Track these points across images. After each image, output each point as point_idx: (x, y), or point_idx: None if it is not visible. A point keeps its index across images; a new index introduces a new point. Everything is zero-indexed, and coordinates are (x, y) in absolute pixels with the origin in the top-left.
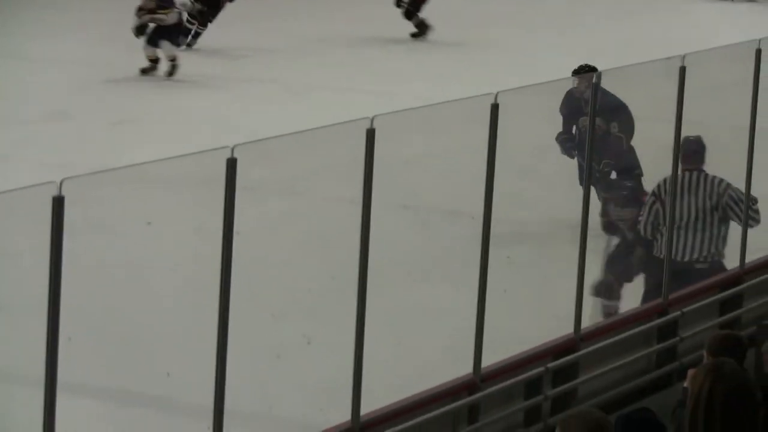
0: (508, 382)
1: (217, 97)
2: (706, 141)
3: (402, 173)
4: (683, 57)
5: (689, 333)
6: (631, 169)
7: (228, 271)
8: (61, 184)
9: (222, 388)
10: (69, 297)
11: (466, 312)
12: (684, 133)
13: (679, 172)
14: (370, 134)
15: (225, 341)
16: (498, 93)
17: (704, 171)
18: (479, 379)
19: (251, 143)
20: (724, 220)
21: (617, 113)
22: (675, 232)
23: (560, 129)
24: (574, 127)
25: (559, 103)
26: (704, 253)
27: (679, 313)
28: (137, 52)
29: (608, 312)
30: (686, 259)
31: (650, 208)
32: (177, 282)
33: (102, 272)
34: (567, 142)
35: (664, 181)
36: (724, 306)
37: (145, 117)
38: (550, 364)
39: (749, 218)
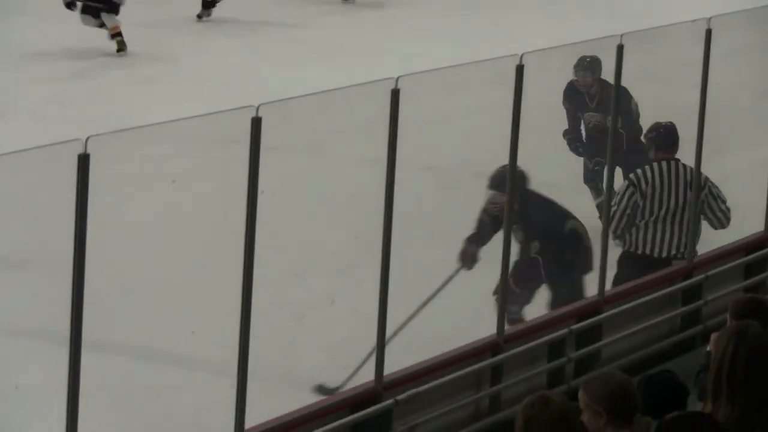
0: (532, 344)
1: (241, 56)
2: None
3: (426, 134)
4: (709, 20)
5: (713, 296)
6: (635, 167)
7: (252, 230)
8: (86, 141)
9: (246, 346)
10: (94, 254)
11: (491, 273)
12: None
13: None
14: (395, 94)
15: (249, 300)
16: (523, 54)
17: (679, 160)
18: (502, 340)
19: (276, 102)
20: (703, 214)
21: (622, 110)
22: (653, 225)
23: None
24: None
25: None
26: (681, 250)
27: (703, 276)
28: (160, 7)
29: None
30: (664, 255)
31: (628, 199)
32: (201, 240)
33: (127, 230)
34: (574, 142)
35: (643, 170)
36: (749, 269)
37: (170, 75)
38: (574, 326)
39: (725, 218)
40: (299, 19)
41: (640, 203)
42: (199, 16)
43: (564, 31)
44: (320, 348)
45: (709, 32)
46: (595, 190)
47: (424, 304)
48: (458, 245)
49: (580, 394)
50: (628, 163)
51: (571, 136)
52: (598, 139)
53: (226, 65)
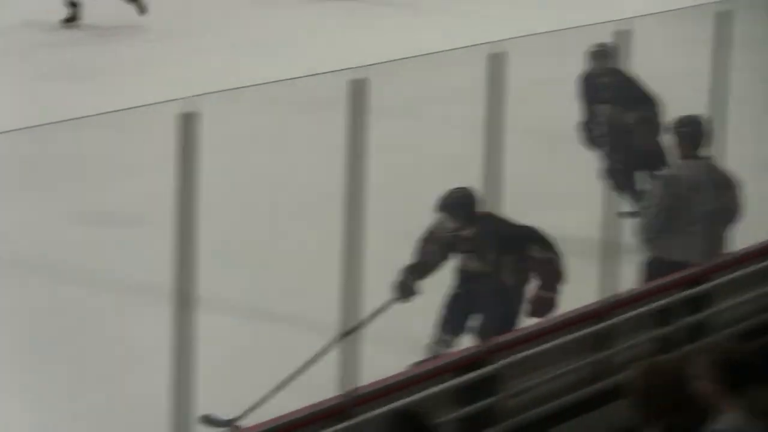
0: (639, 310)
1: (343, 19)
2: None
3: (528, 98)
4: None
5: None
6: (648, 167)
7: (357, 191)
8: (189, 101)
9: (352, 307)
10: (200, 212)
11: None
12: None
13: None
14: (498, 58)
15: (354, 261)
16: (625, 19)
17: (710, 158)
18: (609, 306)
19: (377, 65)
20: (732, 219)
21: (640, 103)
22: (683, 229)
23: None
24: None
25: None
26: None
27: None
28: None
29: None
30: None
31: (667, 199)
32: (306, 200)
33: (231, 190)
34: (586, 133)
35: (674, 168)
36: None
37: (270, 38)
38: (683, 293)
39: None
40: None
41: (674, 207)
42: None
43: None
44: (425, 310)
45: None
46: (616, 191)
47: (348, 333)
48: (561, 209)
49: (696, 363)
50: (648, 164)
51: (586, 127)
52: (614, 133)
53: (330, 27)
